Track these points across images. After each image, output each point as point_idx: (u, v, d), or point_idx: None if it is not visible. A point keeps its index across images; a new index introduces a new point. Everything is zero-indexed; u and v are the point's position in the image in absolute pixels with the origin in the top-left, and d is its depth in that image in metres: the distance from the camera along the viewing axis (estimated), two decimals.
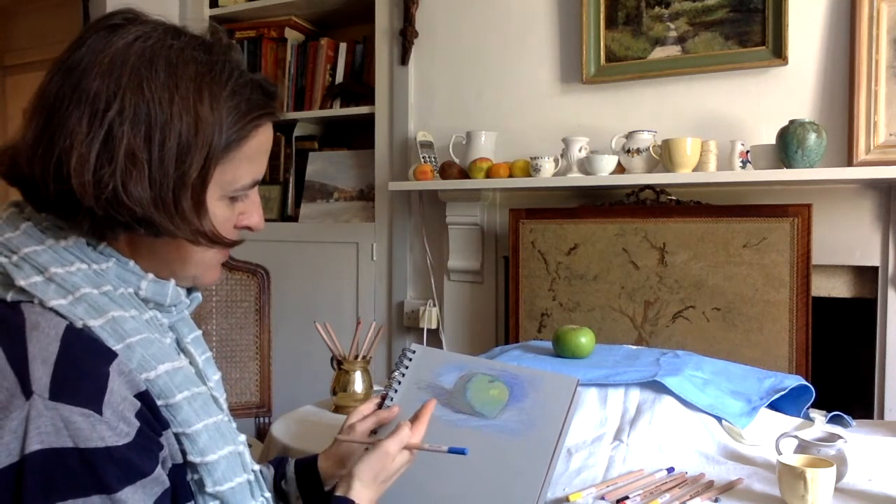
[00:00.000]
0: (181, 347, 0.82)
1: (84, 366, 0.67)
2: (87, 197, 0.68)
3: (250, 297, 2.27)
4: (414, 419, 0.97)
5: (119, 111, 0.68)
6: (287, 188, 2.89)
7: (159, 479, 0.70)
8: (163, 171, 0.70)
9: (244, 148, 0.76)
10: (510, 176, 2.23)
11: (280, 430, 1.51)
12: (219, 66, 0.74)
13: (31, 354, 0.65)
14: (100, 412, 0.65)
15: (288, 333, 2.68)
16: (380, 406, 1.10)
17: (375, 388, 1.66)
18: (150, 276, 0.77)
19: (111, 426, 0.65)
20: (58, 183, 0.69)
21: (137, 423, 0.68)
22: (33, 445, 0.62)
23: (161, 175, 0.70)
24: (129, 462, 0.66)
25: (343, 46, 2.78)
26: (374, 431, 1.07)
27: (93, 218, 0.71)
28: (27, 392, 0.63)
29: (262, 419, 2.25)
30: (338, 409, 1.62)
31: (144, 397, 0.70)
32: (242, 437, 0.83)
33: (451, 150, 2.37)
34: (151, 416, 0.70)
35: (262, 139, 0.78)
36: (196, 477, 0.75)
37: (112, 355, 0.69)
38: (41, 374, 0.64)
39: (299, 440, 1.44)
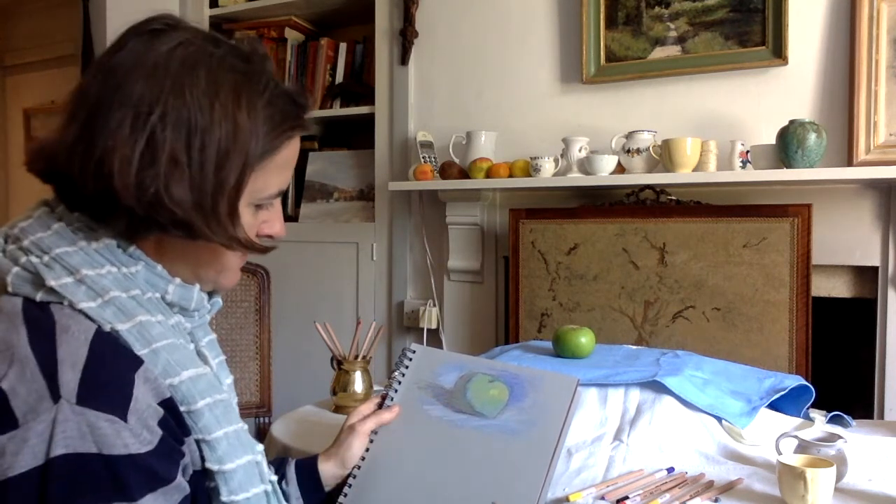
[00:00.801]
0: (196, 351, 0.83)
1: (111, 372, 0.68)
2: (129, 197, 0.69)
3: (250, 297, 2.27)
4: None
5: (161, 115, 0.69)
6: (287, 188, 2.89)
7: (180, 486, 0.70)
8: (203, 175, 0.71)
9: (276, 158, 0.77)
10: (510, 176, 2.23)
11: (280, 430, 1.51)
12: (256, 77, 0.75)
13: (60, 358, 0.66)
14: (125, 419, 0.66)
15: (288, 333, 2.68)
16: (380, 406, 1.10)
17: (375, 388, 1.66)
18: (178, 280, 0.78)
19: (135, 433, 0.66)
20: (98, 182, 0.70)
21: (160, 432, 0.69)
22: (58, 449, 0.63)
23: (201, 179, 0.71)
24: (152, 470, 0.67)
25: (343, 46, 2.78)
26: (374, 432, 1.07)
27: (131, 218, 0.72)
28: (55, 396, 0.64)
29: (262, 419, 2.25)
30: (338, 409, 1.62)
31: (168, 404, 0.71)
32: (260, 447, 0.83)
33: (451, 150, 2.37)
34: (175, 423, 0.71)
35: (292, 151, 0.80)
36: (212, 485, 0.76)
37: (138, 362, 0.69)
38: (69, 378, 0.65)
39: (299, 440, 1.44)
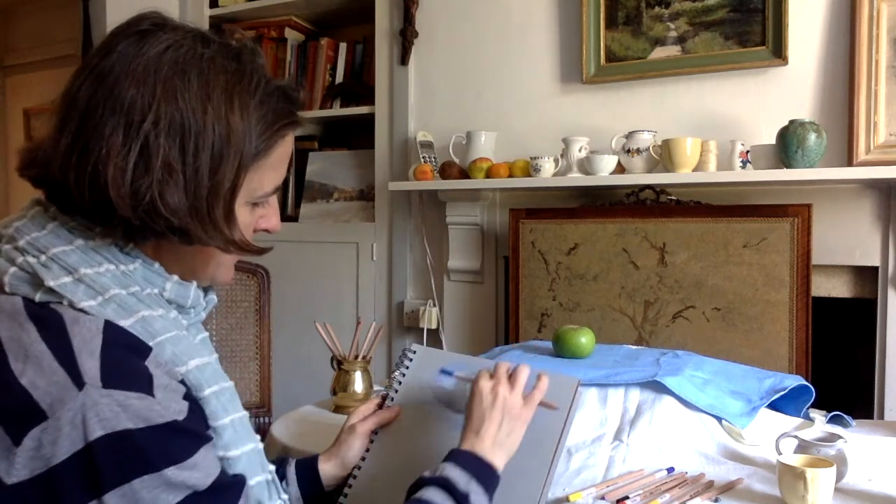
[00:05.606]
0: None
1: (128, 357, 0.69)
2: (125, 207, 0.69)
3: (250, 297, 2.26)
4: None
5: (154, 122, 0.69)
6: (287, 188, 2.89)
7: (214, 442, 0.73)
8: (198, 179, 0.71)
9: (270, 157, 0.77)
10: (510, 176, 2.23)
11: (280, 430, 1.51)
12: (248, 76, 0.75)
13: (76, 348, 0.66)
14: (152, 395, 0.67)
15: (288, 333, 2.68)
16: (380, 406, 1.10)
17: (375, 388, 1.66)
18: (175, 277, 0.78)
19: (165, 406, 0.68)
20: (93, 192, 0.70)
21: (187, 402, 0.71)
22: (97, 432, 0.64)
23: (196, 184, 0.71)
24: (190, 431, 0.70)
25: (343, 46, 2.78)
26: (375, 432, 1.07)
27: (127, 226, 0.72)
28: (79, 383, 0.65)
29: (262, 419, 2.25)
30: (338, 409, 1.62)
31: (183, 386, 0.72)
32: (258, 437, 0.84)
33: (451, 150, 2.37)
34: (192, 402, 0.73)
35: (286, 148, 0.80)
36: None
37: (147, 350, 0.70)
38: (90, 365, 0.66)
39: (299, 440, 1.44)
